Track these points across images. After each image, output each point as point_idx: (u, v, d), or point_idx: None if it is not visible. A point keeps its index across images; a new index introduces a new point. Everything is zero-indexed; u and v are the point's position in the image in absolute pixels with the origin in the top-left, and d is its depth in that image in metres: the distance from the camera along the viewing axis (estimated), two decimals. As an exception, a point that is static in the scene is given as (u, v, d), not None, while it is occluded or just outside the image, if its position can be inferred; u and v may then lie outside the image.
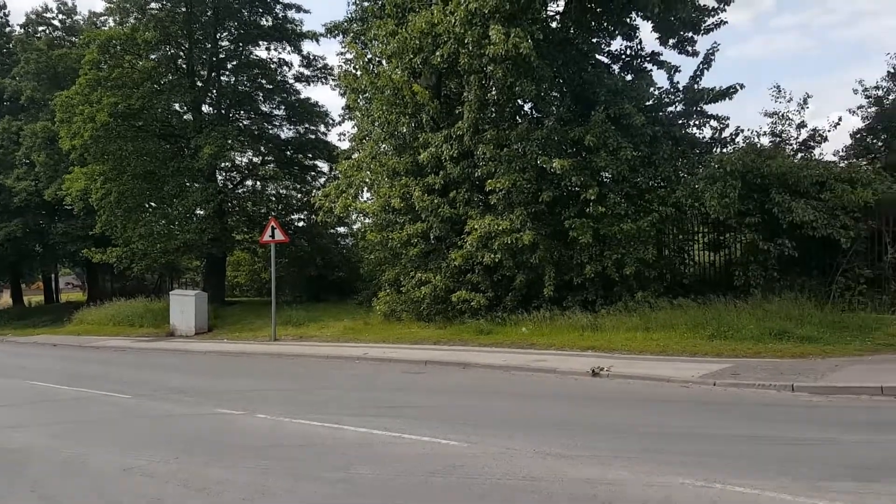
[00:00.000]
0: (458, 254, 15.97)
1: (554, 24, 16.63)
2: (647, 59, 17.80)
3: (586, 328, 14.17)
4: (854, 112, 21.90)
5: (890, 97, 21.59)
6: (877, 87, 22.09)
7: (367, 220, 20.70)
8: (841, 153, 19.43)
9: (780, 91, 17.09)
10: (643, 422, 7.87)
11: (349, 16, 21.06)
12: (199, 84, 26.28)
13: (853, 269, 13.83)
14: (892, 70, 22.73)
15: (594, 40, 17.17)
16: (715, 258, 17.31)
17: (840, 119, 18.52)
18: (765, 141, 16.98)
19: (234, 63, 27.00)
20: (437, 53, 15.27)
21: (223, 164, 26.39)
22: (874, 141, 19.23)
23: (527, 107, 17.38)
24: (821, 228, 13.40)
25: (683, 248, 17.58)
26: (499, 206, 15.70)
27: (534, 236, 14.98)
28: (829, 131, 16.99)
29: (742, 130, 17.38)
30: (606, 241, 15.19)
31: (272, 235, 18.83)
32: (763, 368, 10.14)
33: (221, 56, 26.72)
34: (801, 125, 17.00)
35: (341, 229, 28.27)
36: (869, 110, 21.30)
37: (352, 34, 20.43)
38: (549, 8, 16.36)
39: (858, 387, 8.77)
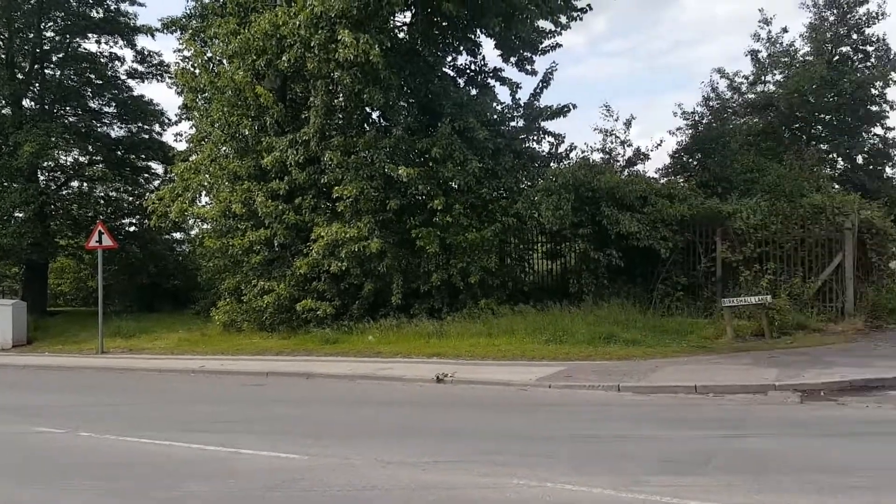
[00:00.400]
0: (304, 262, 15.65)
1: (401, 35, 16.78)
2: (491, 75, 18.42)
3: (432, 335, 14.37)
4: (674, 133, 24.02)
5: (704, 121, 23.87)
6: (693, 112, 24.42)
7: (205, 226, 19.79)
8: (662, 170, 21.14)
9: (608, 110, 18.38)
10: (484, 426, 8.10)
11: (188, 12, 20.04)
12: (20, 77, 23.86)
13: (671, 278, 15.10)
14: (704, 96, 25.29)
15: (440, 53, 17.51)
16: (552, 266, 18.24)
17: (662, 141, 20.22)
18: (597, 157, 18.17)
19: (61, 56, 24.76)
20: (284, 58, 14.91)
21: (46, 164, 24.05)
22: (690, 160, 21.07)
23: (375, 115, 17.37)
24: (644, 239, 14.49)
25: (524, 257, 18.37)
26: (346, 213, 15.56)
27: (381, 244, 14.99)
28: (652, 150, 18.47)
29: (576, 147, 18.52)
30: (452, 250, 15.50)
31: (99, 241, 17.51)
32: (593, 370, 10.77)
33: (46, 48, 24.43)
34: (627, 143, 18.36)
35: (177, 235, 26.81)
36: (686, 132, 23.42)
37: (190, 31, 19.46)
38: (396, 18, 16.50)
39: (675, 385, 9.55)
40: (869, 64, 24.52)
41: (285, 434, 7.83)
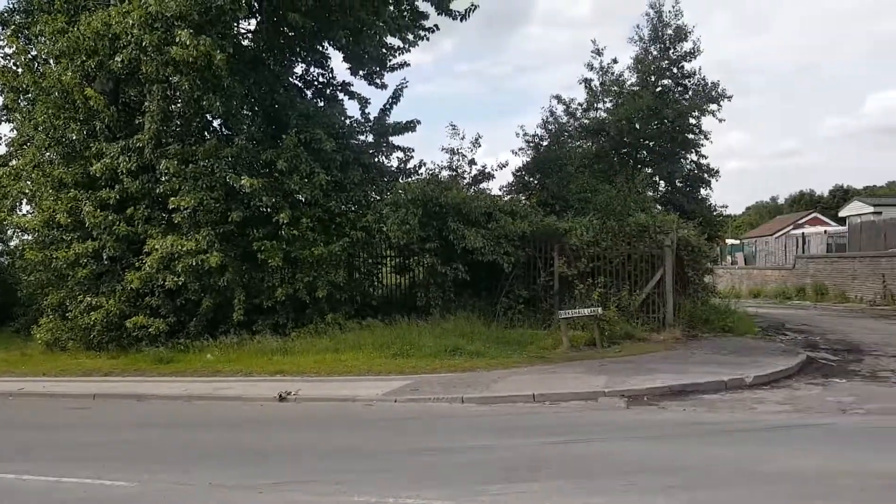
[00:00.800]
0: (136, 276, 14.69)
1: (246, 43, 16.30)
2: (339, 88, 18.34)
3: (276, 352, 13.97)
4: (517, 153, 25.12)
5: (543, 143, 25.13)
6: (534, 135, 25.68)
7: (26, 237, 18.15)
8: (505, 188, 22.00)
9: (454, 129, 18.89)
10: (327, 443, 7.98)
11: (10, 6, 18.40)
12: None
13: (514, 291, 15.72)
14: (544, 119, 26.74)
15: (286, 63, 17.21)
16: (401, 280, 18.37)
17: (507, 162, 21.05)
18: (445, 174, 18.58)
19: None
20: (118, 59, 14.00)
21: None
22: (531, 180, 22.10)
23: (216, 123, 16.71)
24: (488, 254, 14.99)
25: (373, 271, 18.36)
26: (183, 225, 14.80)
27: (222, 258, 14.38)
28: (497, 170, 19.21)
29: (425, 163, 18.79)
30: (298, 264, 15.18)
31: None
32: (439, 383, 10.96)
33: None
34: (472, 162, 18.95)
35: (-7, 246, 24.36)
36: (528, 153, 24.55)
37: (13, 26, 17.86)
38: (241, 26, 16.03)
39: (515, 395, 9.93)
40: (687, 96, 27.04)
41: (113, 460, 7.28)
